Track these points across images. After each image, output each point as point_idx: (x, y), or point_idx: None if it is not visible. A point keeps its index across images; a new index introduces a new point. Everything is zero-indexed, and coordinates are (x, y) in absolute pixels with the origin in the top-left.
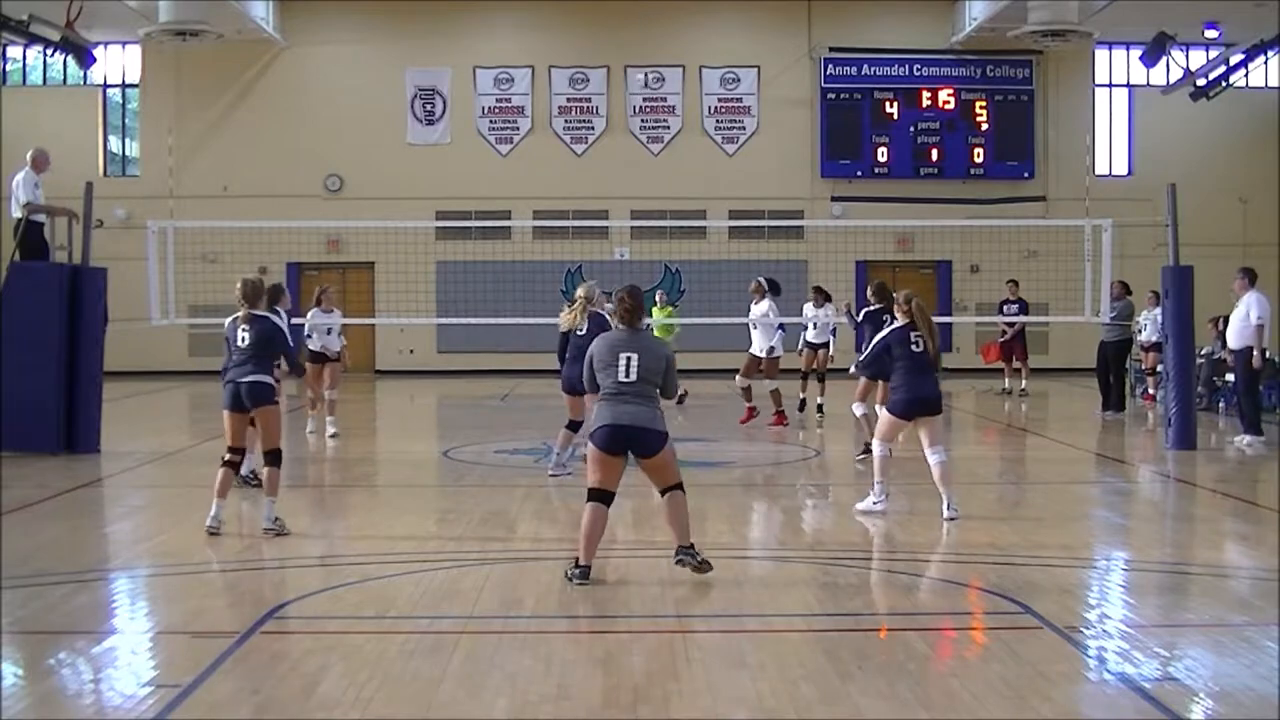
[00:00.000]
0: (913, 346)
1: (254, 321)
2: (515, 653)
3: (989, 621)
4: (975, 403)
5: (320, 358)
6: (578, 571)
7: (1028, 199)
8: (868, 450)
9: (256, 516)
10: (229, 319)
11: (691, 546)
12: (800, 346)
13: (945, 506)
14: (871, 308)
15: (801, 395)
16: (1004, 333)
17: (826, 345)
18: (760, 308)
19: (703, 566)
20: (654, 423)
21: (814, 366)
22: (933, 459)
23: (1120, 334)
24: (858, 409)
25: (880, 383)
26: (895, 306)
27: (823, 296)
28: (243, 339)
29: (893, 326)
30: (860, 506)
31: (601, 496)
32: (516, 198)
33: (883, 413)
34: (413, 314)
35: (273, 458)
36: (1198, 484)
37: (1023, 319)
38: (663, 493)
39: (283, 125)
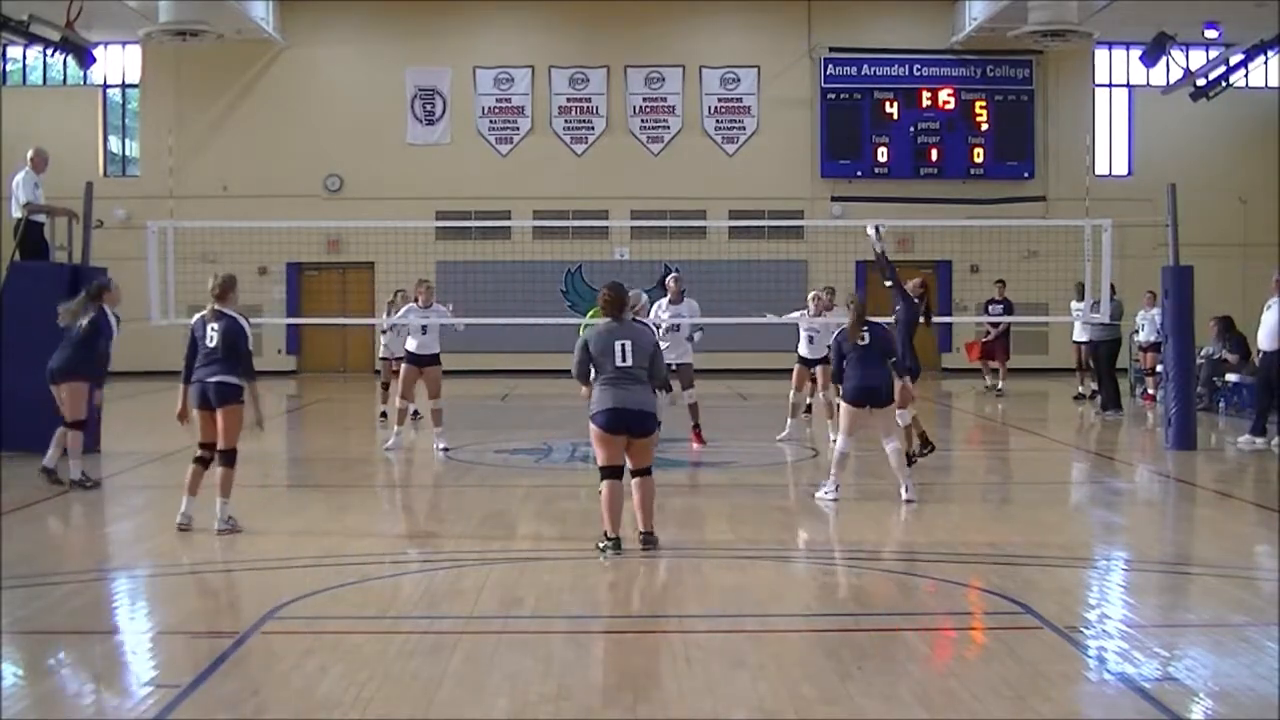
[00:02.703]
0: (858, 342)
1: (221, 319)
2: (515, 653)
3: (989, 621)
4: (976, 402)
5: (416, 359)
6: (610, 543)
7: (1028, 199)
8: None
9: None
10: (196, 315)
11: (651, 533)
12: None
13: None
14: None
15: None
16: (987, 332)
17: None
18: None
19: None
20: (651, 406)
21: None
22: (888, 447)
23: (1113, 333)
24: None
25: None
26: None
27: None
28: (211, 338)
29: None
30: (818, 495)
31: (614, 472)
32: (516, 198)
33: (841, 405)
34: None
35: (227, 458)
36: (1198, 484)
37: (1008, 319)
38: (635, 474)
39: (283, 125)
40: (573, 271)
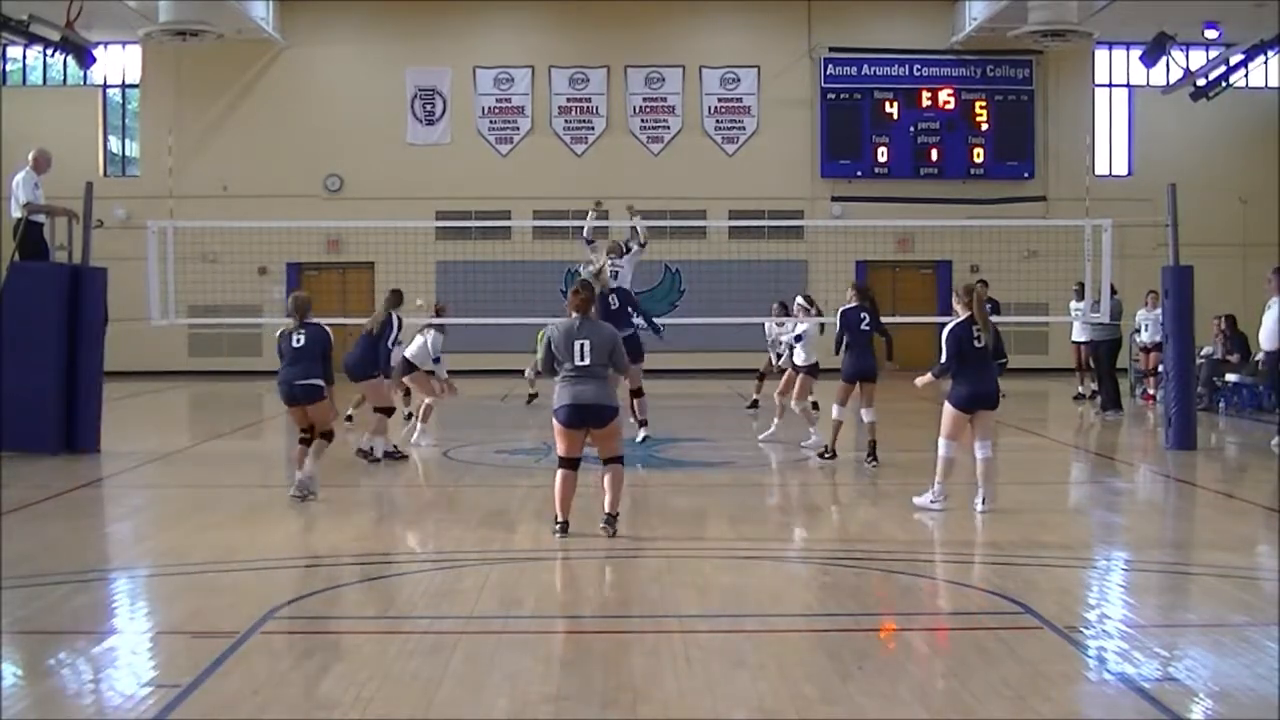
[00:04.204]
0: (975, 342)
1: (307, 327)
2: (515, 653)
3: (989, 621)
4: None
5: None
6: (558, 527)
7: (1028, 199)
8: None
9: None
10: (279, 331)
11: (616, 516)
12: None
13: (981, 500)
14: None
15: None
16: None
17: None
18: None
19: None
20: (606, 399)
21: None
22: (979, 454)
23: (1113, 333)
24: (836, 411)
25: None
26: (955, 299)
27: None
28: (298, 340)
29: (956, 321)
30: (918, 501)
31: (570, 464)
32: (516, 198)
33: (946, 408)
34: (412, 314)
35: (326, 436)
36: (1198, 484)
37: (995, 319)
38: (606, 463)
39: (283, 125)
40: (573, 271)
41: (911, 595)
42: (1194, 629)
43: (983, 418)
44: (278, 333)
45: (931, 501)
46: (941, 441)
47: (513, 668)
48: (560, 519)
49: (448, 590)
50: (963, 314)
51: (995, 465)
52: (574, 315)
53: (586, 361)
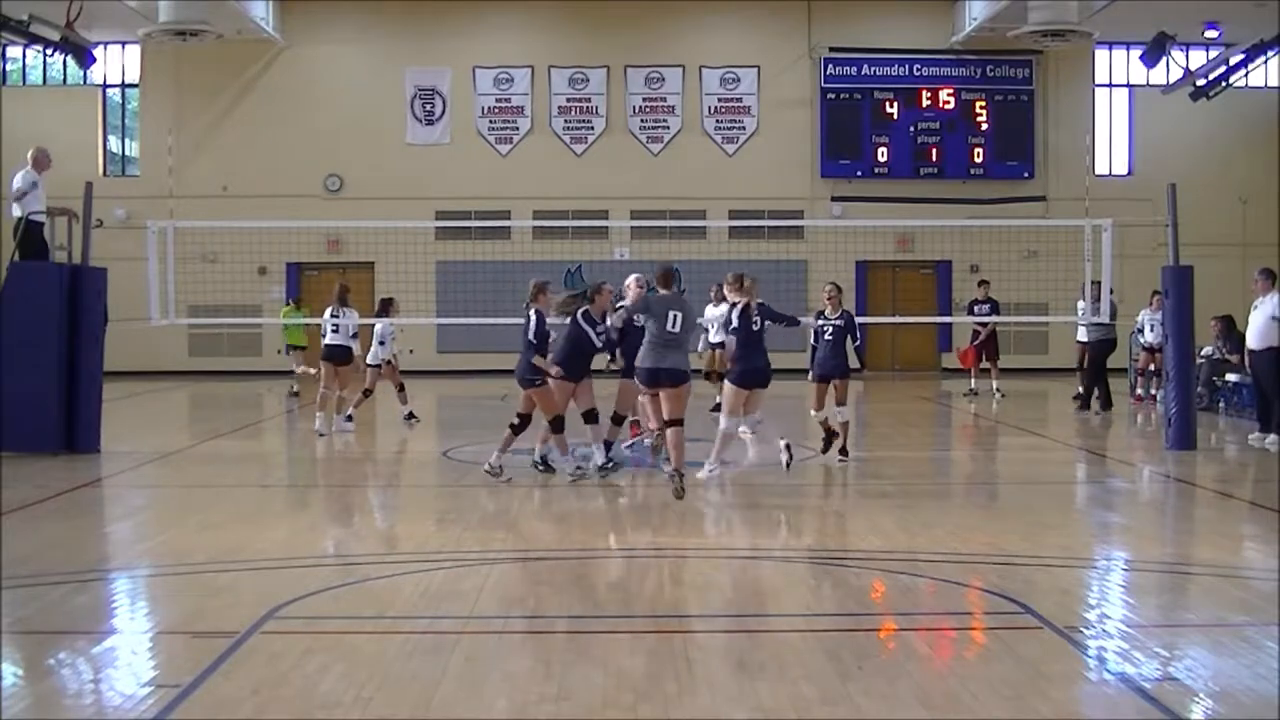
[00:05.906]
0: (752, 325)
1: (525, 315)
2: (515, 653)
3: (989, 621)
4: (977, 403)
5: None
6: (678, 478)
7: (1028, 199)
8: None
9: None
10: None
11: (681, 474)
12: (703, 348)
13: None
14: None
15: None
16: (976, 334)
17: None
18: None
19: (679, 492)
20: (682, 365)
21: (714, 367)
22: (747, 421)
23: (1107, 333)
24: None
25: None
26: (726, 288)
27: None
28: (524, 330)
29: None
30: (701, 475)
31: (670, 423)
32: (516, 198)
33: (726, 386)
34: (413, 314)
35: (549, 424)
36: (1198, 484)
37: (995, 319)
38: (668, 424)
39: (283, 125)
40: (572, 271)
41: (911, 595)
42: (1194, 629)
43: (756, 395)
44: None
45: (710, 471)
46: (725, 419)
47: (513, 668)
48: (677, 470)
49: (448, 590)
50: (740, 300)
51: (747, 441)
52: (663, 291)
53: (677, 329)
